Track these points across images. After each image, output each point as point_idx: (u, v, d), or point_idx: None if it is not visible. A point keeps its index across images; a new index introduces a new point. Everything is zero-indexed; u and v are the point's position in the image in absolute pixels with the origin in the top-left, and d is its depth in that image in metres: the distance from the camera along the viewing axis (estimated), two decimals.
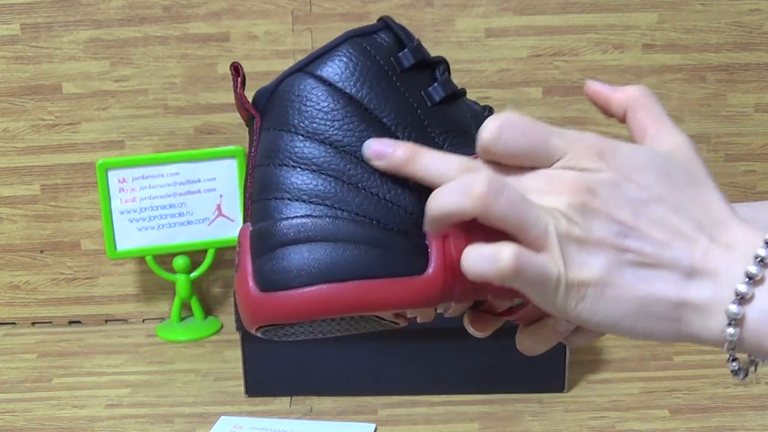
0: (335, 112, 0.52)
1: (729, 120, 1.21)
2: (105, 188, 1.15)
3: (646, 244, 0.45)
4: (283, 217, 0.50)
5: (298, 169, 0.51)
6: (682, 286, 0.45)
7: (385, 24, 0.53)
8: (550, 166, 0.48)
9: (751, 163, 1.22)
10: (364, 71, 0.52)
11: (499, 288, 0.49)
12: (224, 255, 1.25)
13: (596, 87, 0.55)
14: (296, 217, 0.50)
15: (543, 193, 0.47)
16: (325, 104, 0.52)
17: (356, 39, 0.52)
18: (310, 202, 0.50)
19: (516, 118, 0.49)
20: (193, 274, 1.21)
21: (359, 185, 0.51)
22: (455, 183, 0.46)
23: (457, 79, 1.19)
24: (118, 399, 1.02)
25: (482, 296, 0.52)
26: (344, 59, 0.52)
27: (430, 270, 0.49)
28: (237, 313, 0.98)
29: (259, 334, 0.52)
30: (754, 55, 1.19)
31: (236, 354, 1.12)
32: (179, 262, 1.20)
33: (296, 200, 0.50)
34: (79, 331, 1.24)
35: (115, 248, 1.18)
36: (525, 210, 0.45)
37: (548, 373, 0.99)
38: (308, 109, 0.52)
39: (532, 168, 0.49)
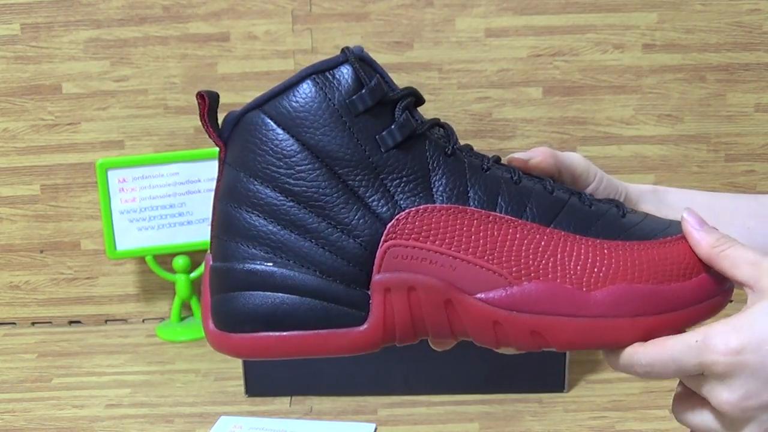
0: (289, 160, 0.52)
1: (729, 120, 1.21)
2: (105, 188, 1.15)
3: None
4: (237, 261, 0.52)
5: (254, 215, 0.52)
6: None
7: (346, 58, 0.52)
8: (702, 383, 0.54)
9: (751, 163, 1.22)
10: (318, 115, 0.51)
11: (438, 333, 0.54)
12: None
13: (688, 228, 0.56)
14: (248, 263, 0.52)
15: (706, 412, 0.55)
16: (280, 150, 0.52)
17: (314, 78, 0.52)
18: (263, 250, 0.52)
19: (659, 352, 0.54)
20: (193, 274, 1.21)
21: (307, 235, 0.51)
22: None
23: (457, 79, 1.19)
24: (118, 399, 1.02)
25: (424, 336, 0.55)
26: (300, 100, 0.52)
27: (368, 324, 0.52)
28: None
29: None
30: (754, 55, 1.19)
31: None
32: (179, 262, 1.20)
33: (250, 246, 0.52)
34: (79, 331, 1.24)
35: (115, 248, 1.18)
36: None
37: (548, 373, 0.99)
38: (265, 152, 0.52)
39: None
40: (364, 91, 0.51)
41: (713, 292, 0.52)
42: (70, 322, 1.27)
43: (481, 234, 0.50)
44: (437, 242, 0.50)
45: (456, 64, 1.19)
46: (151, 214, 1.18)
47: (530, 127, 1.21)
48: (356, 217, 0.51)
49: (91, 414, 0.99)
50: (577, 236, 0.51)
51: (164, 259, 1.22)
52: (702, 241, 0.52)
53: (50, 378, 1.08)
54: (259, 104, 0.52)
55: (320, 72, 0.52)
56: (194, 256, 1.22)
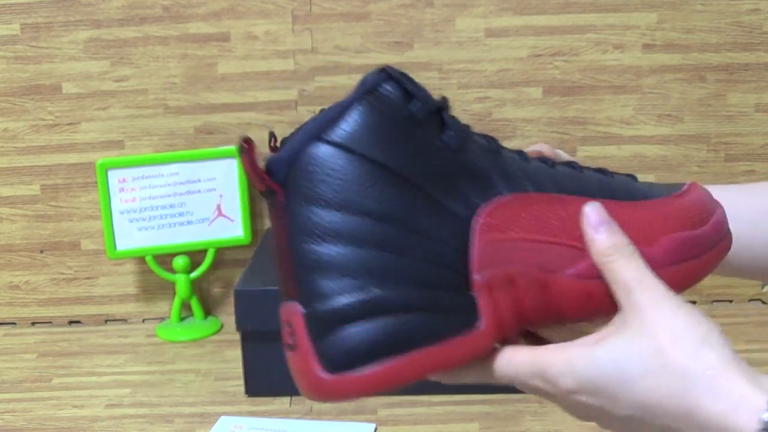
0: (363, 179, 0.51)
1: (729, 120, 1.21)
2: (105, 188, 1.15)
3: None
4: (335, 296, 0.50)
5: (340, 244, 0.50)
6: None
7: (389, 75, 0.52)
8: None
9: (751, 163, 1.22)
10: (381, 132, 0.51)
11: (540, 320, 0.54)
12: (224, 255, 1.25)
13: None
14: (346, 296, 0.50)
15: None
16: (351, 173, 0.51)
17: (365, 98, 0.52)
18: (358, 277, 0.50)
19: None
20: (193, 274, 1.21)
21: (401, 251, 0.51)
22: None
23: (457, 79, 1.19)
24: (118, 399, 1.02)
25: (526, 328, 0.55)
26: (359, 121, 0.51)
27: (483, 324, 0.51)
28: (237, 313, 0.98)
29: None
30: (754, 55, 1.19)
31: (236, 354, 1.12)
32: (179, 262, 1.19)
33: (344, 276, 0.50)
34: (79, 331, 1.24)
35: (115, 248, 1.18)
36: None
37: None
38: (335, 180, 0.51)
39: None
40: (418, 102, 0.52)
41: (723, 231, 0.56)
42: (70, 322, 1.27)
43: (549, 215, 0.52)
44: (519, 230, 0.52)
45: (456, 64, 1.19)
46: (151, 214, 1.18)
47: (530, 127, 1.21)
48: (440, 222, 0.51)
49: (91, 414, 0.99)
50: (615, 201, 0.54)
51: (164, 259, 1.22)
52: (594, 244, 0.52)
53: (50, 378, 1.08)
54: (316, 135, 0.51)
55: (368, 93, 0.52)
56: (194, 256, 1.22)
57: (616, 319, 0.51)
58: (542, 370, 0.51)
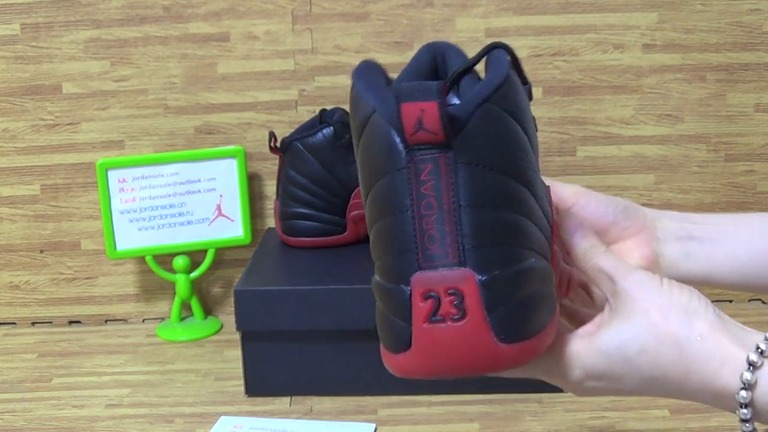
0: (524, 151, 0.50)
1: (729, 120, 1.21)
2: (105, 188, 1.15)
3: None
4: (513, 264, 0.49)
5: (520, 216, 0.49)
6: None
7: (508, 50, 0.52)
8: None
9: (751, 163, 1.22)
10: (524, 104, 0.52)
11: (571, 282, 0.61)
12: (224, 255, 1.25)
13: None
14: (524, 264, 0.49)
15: None
16: (519, 140, 0.50)
17: (511, 72, 0.51)
18: (528, 248, 0.50)
19: None
20: (193, 274, 1.21)
21: (537, 224, 0.51)
22: None
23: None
24: (118, 399, 1.02)
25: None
26: (512, 93, 0.50)
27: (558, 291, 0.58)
28: (237, 313, 0.98)
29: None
30: (754, 55, 1.19)
31: (236, 354, 1.12)
32: (179, 262, 1.20)
33: (519, 248, 0.49)
34: (79, 331, 1.24)
35: (115, 248, 1.18)
36: None
37: None
38: (513, 146, 0.49)
39: None
40: (528, 80, 0.55)
41: None
42: (70, 322, 1.27)
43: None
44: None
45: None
46: (151, 214, 1.18)
47: None
48: (544, 196, 0.54)
49: (91, 414, 0.99)
50: None
51: (164, 259, 1.22)
52: (574, 248, 0.55)
53: (50, 378, 1.08)
54: (487, 98, 0.49)
55: (510, 67, 0.51)
56: (194, 256, 1.22)
57: (607, 308, 0.55)
58: (549, 367, 0.55)
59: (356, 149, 0.52)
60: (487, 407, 0.97)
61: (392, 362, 0.52)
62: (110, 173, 1.16)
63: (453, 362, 0.49)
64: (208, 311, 1.27)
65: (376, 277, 0.51)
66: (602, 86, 1.20)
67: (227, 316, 1.25)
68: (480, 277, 0.47)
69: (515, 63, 0.53)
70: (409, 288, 0.48)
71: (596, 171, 1.22)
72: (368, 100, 0.49)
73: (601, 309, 0.57)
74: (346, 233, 1.13)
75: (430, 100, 0.46)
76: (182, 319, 1.23)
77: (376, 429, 0.94)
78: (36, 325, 1.27)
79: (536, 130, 0.55)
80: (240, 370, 1.05)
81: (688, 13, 1.17)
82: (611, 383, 0.54)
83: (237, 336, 1.17)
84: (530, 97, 0.54)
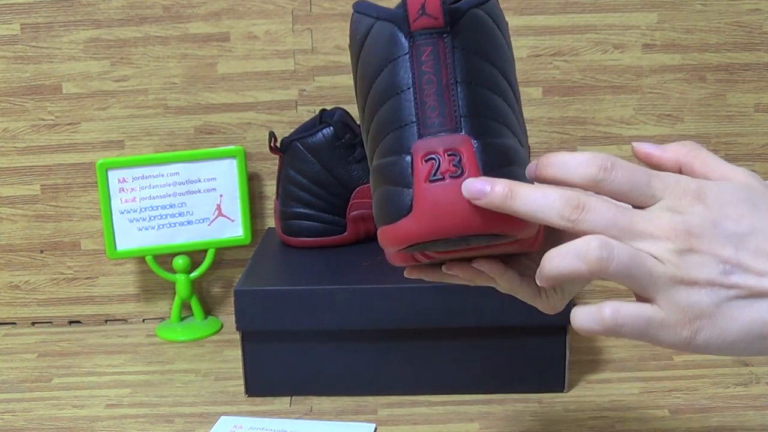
0: (506, 54, 0.58)
1: (729, 120, 1.21)
2: (105, 188, 1.15)
3: (750, 278, 0.49)
4: (502, 136, 0.54)
5: (501, 100, 0.56)
6: None
7: None
8: (649, 206, 0.51)
9: (751, 163, 1.22)
10: (504, 24, 0.60)
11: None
12: (224, 255, 1.25)
13: (646, 149, 0.59)
14: (509, 140, 0.55)
15: (647, 238, 0.50)
16: (502, 42, 0.57)
17: None
18: (513, 133, 0.56)
19: (620, 159, 0.53)
20: (193, 274, 1.21)
21: (517, 118, 0.57)
22: (570, 248, 0.50)
23: None
24: (118, 399, 1.02)
25: None
26: (497, 8, 0.59)
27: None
28: (237, 313, 0.98)
29: (421, 253, 0.56)
30: (754, 55, 1.19)
31: (236, 354, 1.12)
32: (179, 262, 1.20)
33: (504, 125, 0.55)
34: (79, 331, 1.24)
35: (115, 248, 1.18)
36: (636, 267, 0.49)
37: (548, 373, 0.99)
38: (491, 39, 0.56)
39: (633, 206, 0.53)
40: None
41: None
42: (70, 322, 1.27)
43: None
44: None
45: None
46: (151, 214, 1.18)
47: (530, 127, 1.21)
48: (520, 105, 0.60)
49: (91, 414, 0.99)
50: None
51: (164, 259, 1.22)
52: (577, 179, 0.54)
53: (50, 378, 1.08)
54: (478, 4, 0.56)
55: None
56: (194, 256, 1.22)
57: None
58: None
59: (354, 69, 0.59)
60: (487, 407, 0.97)
61: (392, 231, 0.54)
62: (110, 173, 1.16)
63: (452, 219, 0.52)
64: (208, 311, 1.27)
65: (376, 162, 0.56)
66: (602, 86, 1.20)
67: (227, 316, 1.25)
68: (474, 141, 0.53)
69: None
70: (410, 156, 0.53)
71: None
72: (371, 14, 0.57)
73: None
74: (346, 233, 1.13)
75: None
76: (182, 319, 1.23)
77: (376, 429, 0.94)
78: (36, 325, 1.27)
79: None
80: (240, 370, 1.05)
81: (688, 13, 1.17)
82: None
83: (237, 336, 1.17)
84: (507, 32, 0.62)
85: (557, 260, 0.50)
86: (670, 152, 0.57)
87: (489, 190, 0.51)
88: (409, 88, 0.54)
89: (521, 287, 0.63)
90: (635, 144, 0.58)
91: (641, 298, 0.51)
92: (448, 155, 0.53)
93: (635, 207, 0.52)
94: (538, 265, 0.65)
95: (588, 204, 0.50)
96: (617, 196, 0.52)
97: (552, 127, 1.21)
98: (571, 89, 1.20)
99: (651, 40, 1.18)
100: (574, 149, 1.21)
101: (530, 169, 0.54)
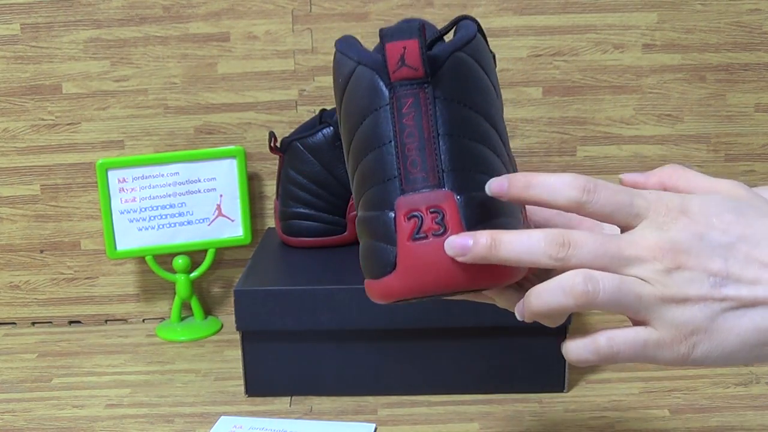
0: (491, 96, 0.57)
1: (729, 120, 1.21)
2: (105, 188, 1.15)
3: (741, 288, 0.49)
4: (483, 192, 0.54)
5: (487, 150, 0.55)
6: None
7: (476, 24, 0.59)
8: (633, 226, 0.51)
9: (751, 163, 1.22)
10: (488, 58, 0.58)
11: None
12: (224, 255, 1.25)
13: (632, 178, 0.59)
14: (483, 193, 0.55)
15: (636, 262, 0.50)
16: (485, 87, 0.56)
17: (479, 33, 0.58)
18: (493, 175, 0.55)
19: (601, 180, 0.53)
20: (193, 274, 1.21)
21: (503, 162, 0.57)
22: (555, 284, 0.50)
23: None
24: (118, 399, 1.02)
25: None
26: (480, 47, 0.57)
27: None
28: (237, 313, 0.98)
29: (409, 301, 0.55)
30: (754, 55, 1.19)
31: (236, 354, 1.12)
32: (179, 262, 1.20)
33: (490, 176, 0.54)
34: (79, 331, 1.24)
35: (115, 248, 1.18)
36: (624, 294, 0.49)
37: (548, 373, 0.99)
38: (480, 90, 0.55)
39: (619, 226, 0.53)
40: (492, 51, 0.62)
41: None
42: (70, 322, 1.27)
43: None
44: None
45: None
46: (151, 214, 1.18)
47: (530, 127, 1.21)
48: (508, 142, 0.60)
49: (91, 414, 0.99)
50: None
51: (164, 259, 1.22)
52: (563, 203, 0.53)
53: (50, 378, 1.08)
54: (459, 47, 0.55)
55: (478, 31, 0.58)
56: (194, 256, 1.22)
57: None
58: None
59: (339, 110, 0.57)
60: (487, 407, 0.97)
61: (377, 287, 0.54)
62: (110, 173, 1.16)
63: (435, 278, 0.52)
64: (208, 311, 1.27)
65: (361, 213, 0.55)
66: (602, 86, 1.20)
67: (227, 316, 1.25)
68: (458, 196, 0.52)
69: (481, 32, 0.59)
70: (393, 212, 0.53)
71: (596, 171, 1.22)
72: (352, 57, 0.55)
73: None
74: (346, 233, 1.13)
75: (411, 38, 0.52)
76: (182, 319, 1.23)
77: (376, 429, 0.94)
78: (36, 325, 1.27)
79: (496, 76, 0.60)
80: (240, 370, 1.05)
81: (688, 13, 1.17)
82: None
83: (237, 336, 1.17)
84: (494, 64, 0.60)
85: (544, 296, 0.50)
86: (654, 177, 0.57)
87: (472, 244, 0.51)
88: (390, 141, 0.53)
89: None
90: (623, 177, 0.58)
91: (636, 321, 0.51)
92: (431, 212, 0.52)
93: (622, 228, 0.52)
94: (538, 278, 0.66)
95: (573, 239, 0.50)
96: (601, 218, 0.52)
97: (552, 127, 1.21)
98: (571, 89, 1.20)
99: (651, 40, 1.18)
100: (574, 149, 1.21)
101: (497, 187, 0.52)
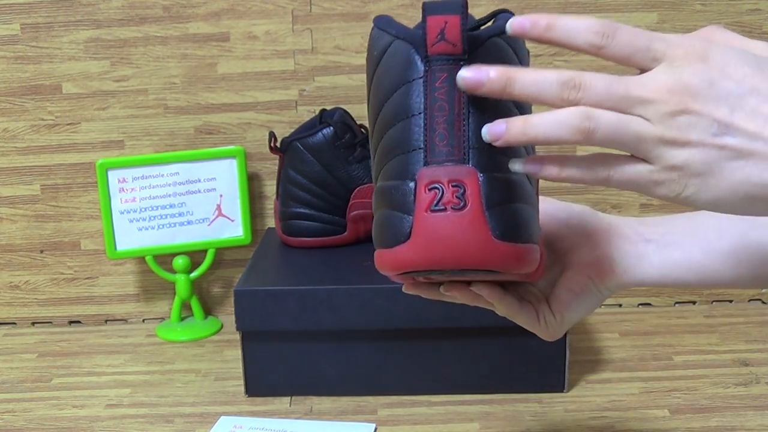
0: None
1: None
2: (105, 188, 1.15)
3: (743, 139, 0.49)
4: (512, 175, 0.53)
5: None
6: None
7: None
8: (651, 69, 0.51)
9: None
10: (524, 51, 0.60)
11: None
12: (224, 255, 1.25)
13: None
14: (518, 176, 0.54)
15: (644, 103, 0.50)
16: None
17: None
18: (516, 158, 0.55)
19: (623, 24, 0.52)
20: (193, 274, 1.21)
21: (528, 149, 0.57)
22: (552, 116, 0.50)
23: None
24: (118, 399, 1.02)
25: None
26: (518, 37, 0.57)
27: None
28: (237, 313, 0.98)
29: (418, 277, 0.56)
30: None
31: (236, 354, 1.12)
32: (179, 262, 1.20)
33: (516, 158, 0.54)
34: (79, 331, 1.24)
35: (115, 248, 1.18)
36: (622, 132, 0.49)
37: (548, 373, 0.99)
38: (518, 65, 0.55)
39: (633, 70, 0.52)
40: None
41: None
42: (70, 322, 1.27)
43: None
44: None
45: None
46: (151, 214, 1.18)
47: None
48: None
49: (91, 414, 0.99)
50: None
51: (164, 259, 1.22)
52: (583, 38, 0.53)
53: (50, 378, 1.08)
54: (498, 34, 0.55)
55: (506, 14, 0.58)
56: (194, 256, 1.22)
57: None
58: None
59: (369, 84, 0.58)
60: (487, 407, 0.97)
61: (388, 257, 0.54)
62: (110, 173, 1.16)
63: (449, 251, 0.52)
64: (208, 311, 1.27)
65: (380, 184, 0.55)
66: None
67: (227, 316, 1.25)
68: (481, 174, 0.52)
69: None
70: (414, 183, 0.53)
71: None
72: (389, 31, 0.56)
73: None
74: (346, 233, 1.13)
75: (454, 13, 0.52)
76: (182, 319, 1.23)
77: (376, 429, 0.94)
78: (36, 325, 1.27)
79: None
80: (240, 370, 1.05)
81: (688, 13, 1.17)
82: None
83: (237, 336, 1.17)
84: (528, 61, 0.60)
85: (539, 126, 0.50)
86: (697, 33, 0.57)
87: (486, 78, 0.50)
88: (420, 113, 0.53)
89: (520, 313, 0.62)
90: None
91: (636, 158, 0.51)
92: (452, 186, 0.52)
93: (640, 70, 0.52)
94: (540, 291, 0.65)
95: (584, 81, 0.50)
96: (619, 61, 0.52)
97: None
98: None
99: None
100: (574, 150, 1.21)
101: (517, 24, 0.52)
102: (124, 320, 1.27)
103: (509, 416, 0.95)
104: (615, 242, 0.66)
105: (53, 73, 1.19)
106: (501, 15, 0.58)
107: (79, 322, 1.27)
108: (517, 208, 0.53)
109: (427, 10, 0.52)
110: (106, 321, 1.27)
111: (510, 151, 0.54)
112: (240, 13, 1.18)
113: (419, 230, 0.52)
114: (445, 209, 0.52)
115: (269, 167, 1.23)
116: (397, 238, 0.53)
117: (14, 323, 1.27)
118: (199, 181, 1.18)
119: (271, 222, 1.24)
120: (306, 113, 1.21)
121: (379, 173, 0.56)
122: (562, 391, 1.00)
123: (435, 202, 0.52)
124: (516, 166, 0.52)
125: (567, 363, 0.99)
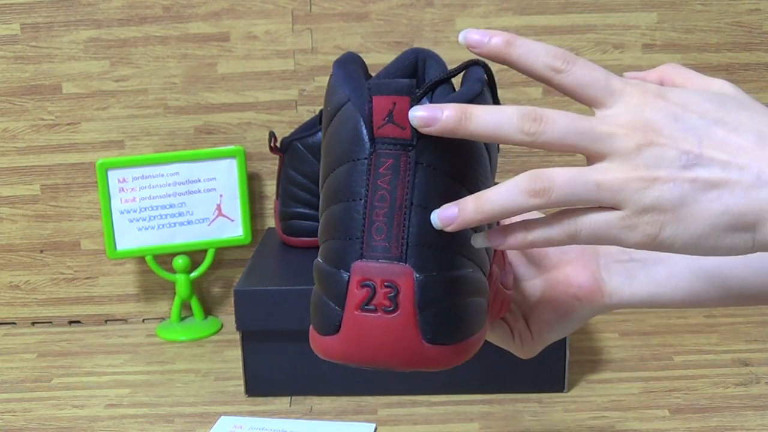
0: (483, 165, 0.52)
1: None
2: (105, 188, 1.15)
3: (715, 169, 0.47)
4: (452, 270, 0.50)
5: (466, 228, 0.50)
6: (751, 196, 0.47)
7: (476, 61, 0.55)
8: (608, 104, 0.49)
9: None
10: None
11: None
12: (224, 255, 1.25)
13: (632, 75, 0.57)
14: (462, 272, 0.50)
15: (608, 138, 0.48)
16: (478, 155, 0.51)
17: (484, 87, 0.53)
18: (468, 258, 0.51)
19: (582, 58, 0.51)
20: (193, 274, 1.21)
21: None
22: (506, 184, 0.47)
23: (457, 80, 1.20)
24: (118, 399, 1.02)
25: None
26: (484, 104, 0.52)
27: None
28: (237, 313, 0.98)
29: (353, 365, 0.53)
30: (754, 55, 1.19)
31: (236, 354, 1.12)
32: (179, 262, 1.20)
33: (459, 255, 0.50)
34: (79, 331, 1.24)
35: (115, 248, 1.18)
36: (583, 183, 0.47)
37: (548, 373, 0.99)
38: (462, 153, 0.50)
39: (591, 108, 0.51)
40: (500, 103, 0.55)
41: None
42: (70, 322, 1.27)
43: None
44: None
45: (456, 64, 1.19)
46: (151, 214, 1.18)
47: None
48: None
49: (91, 414, 0.99)
50: None
51: (164, 259, 1.22)
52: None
53: (50, 378, 1.08)
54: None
55: (483, 83, 0.53)
56: (194, 256, 1.22)
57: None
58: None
59: (323, 134, 0.54)
60: (487, 407, 0.97)
61: (318, 343, 0.52)
62: (110, 173, 1.16)
63: (376, 353, 0.50)
64: (208, 311, 1.27)
65: (319, 260, 0.52)
66: None
67: (227, 316, 1.25)
68: (418, 275, 0.49)
69: (491, 83, 0.54)
70: (348, 274, 0.49)
71: None
72: (344, 89, 0.51)
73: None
74: None
75: (403, 95, 0.48)
76: (182, 319, 1.23)
77: (376, 429, 0.94)
78: (36, 325, 1.27)
79: (498, 152, 0.56)
80: (240, 370, 1.05)
81: (688, 13, 1.17)
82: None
83: (237, 336, 1.17)
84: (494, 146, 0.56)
85: (494, 197, 0.47)
86: (653, 74, 0.56)
87: (441, 114, 0.47)
88: (361, 200, 0.49)
89: (493, 331, 0.61)
90: (625, 74, 0.56)
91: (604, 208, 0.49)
92: (386, 286, 0.49)
93: (595, 105, 0.50)
94: (517, 308, 0.64)
95: (545, 114, 0.48)
96: (575, 91, 0.50)
97: None
98: None
99: (651, 40, 1.18)
100: None
101: (474, 38, 0.49)
102: (124, 320, 1.27)
103: (509, 416, 0.96)
104: (602, 261, 0.65)
105: (53, 73, 1.19)
106: (471, 71, 0.55)
107: (79, 322, 1.27)
108: (455, 306, 0.50)
109: (372, 89, 0.48)
110: (106, 321, 1.27)
111: (459, 248, 0.50)
112: (240, 13, 1.18)
113: (347, 328, 0.50)
114: (375, 310, 0.49)
115: (269, 167, 1.23)
116: (328, 328, 0.51)
117: (14, 323, 1.27)
118: (199, 181, 1.18)
119: (271, 222, 1.24)
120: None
121: (321, 244, 0.53)
122: (562, 391, 1.00)
123: (366, 301, 0.49)
124: (479, 241, 0.50)
125: (567, 363, 0.99)
